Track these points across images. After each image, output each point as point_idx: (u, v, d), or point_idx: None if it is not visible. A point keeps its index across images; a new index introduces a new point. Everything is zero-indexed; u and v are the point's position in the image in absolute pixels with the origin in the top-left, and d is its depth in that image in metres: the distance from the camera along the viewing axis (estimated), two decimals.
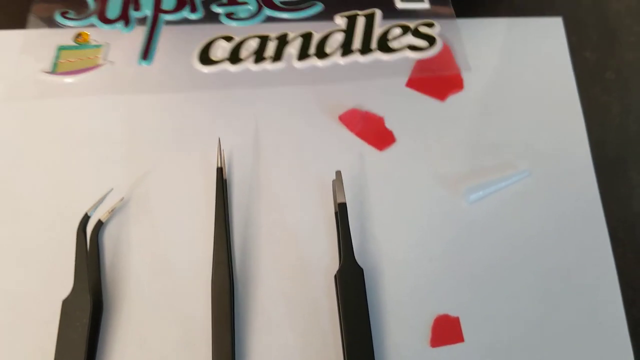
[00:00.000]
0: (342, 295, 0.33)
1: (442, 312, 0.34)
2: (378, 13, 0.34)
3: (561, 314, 0.34)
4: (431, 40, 0.34)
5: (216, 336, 0.32)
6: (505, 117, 0.40)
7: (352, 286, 0.33)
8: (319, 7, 0.34)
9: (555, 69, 0.42)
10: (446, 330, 0.34)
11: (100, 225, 0.35)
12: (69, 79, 0.33)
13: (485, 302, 0.35)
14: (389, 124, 0.39)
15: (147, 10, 0.34)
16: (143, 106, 0.38)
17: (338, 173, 0.35)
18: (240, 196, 0.37)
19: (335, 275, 0.34)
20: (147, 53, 0.33)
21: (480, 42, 0.42)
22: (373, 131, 0.39)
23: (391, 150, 0.39)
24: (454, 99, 0.40)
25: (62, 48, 0.33)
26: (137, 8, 0.34)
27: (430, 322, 0.34)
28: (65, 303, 0.32)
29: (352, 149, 0.38)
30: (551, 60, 0.42)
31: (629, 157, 0.40)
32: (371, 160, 0.38)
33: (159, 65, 0.33)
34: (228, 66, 0.33)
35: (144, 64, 0.33)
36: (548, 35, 0.43)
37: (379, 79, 0.39)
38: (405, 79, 0.40)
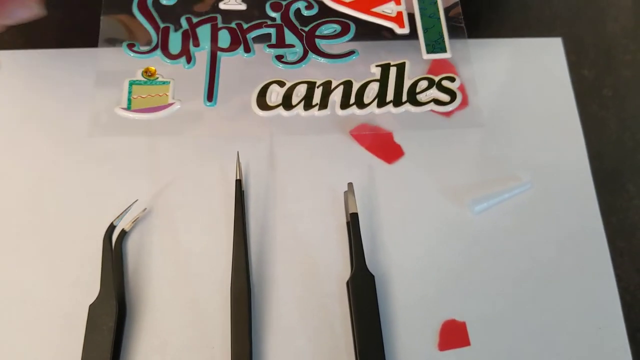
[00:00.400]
0: (355, 300, 0.34)
1: (449, 317, 0.35)
2: (408, 64, 0.37)
3: (562, 319, 0.36)
4: (452, 95, 0.36)
5: (235, 339, 0.33)
6: (508, 132, 0.41)
7: (364, 292, 0.34)
8: (356, 55, 0.36)
9: (555, 86, 0.43)
10: (453, 335, 0.35)
11: (124, 234, 0.36)
12: (142, 117, 0.34)
13: (489, 307, 0.36)
14: (397, 139, 0.40)
15: (205, 46, 0.35)
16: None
17: (350, 185, 0.37)
18: (256, 206, 0.38)
19: (348, 282, 0.35)
20: (211, 94, 0.35)
21: (485, 61, 0.44)
22: (382, 145, 0.40)
23: (400, 164, 0.40)
24: (459, 114, 0.41)
25: (133, 83, 0.35)
26: (196, 44, 0.35)
27: (437, 327, 0.35)
28: (92, 308, 0.33)
29: (362, 162, 0.40)
30: (551, 78, 0.44)
31: (626, 169, 0.41)
32: (380, 173, 0.40)
33: (221, 106, 0.35)
34: (282, 111, 0.35)
35: (209, 106, 0.35)
36: (548, 55, 0.44)
37: None
38: None
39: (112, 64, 0.34)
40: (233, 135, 0.38)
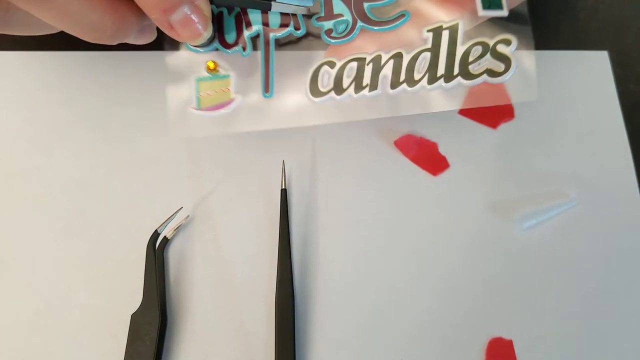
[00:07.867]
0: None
1: (495, 335, 0.35)
2: (461, 24, 0.34)
3: (610, 338, 0.35)
4: (507, 62, 0.33)
5: (279, 351, 0.32)
6: (554, 146, 0.41)
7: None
8: (407, 18, 0.34)
9: (602, 100, 0.42)
10: (500, 353, 0.34)
11: (165, 241, 0.36)
12: (211, 114, 0.34)
13: (537, 325, 0.35)
14: (442, 150, 0.40)
15: (257, 27, 0.34)
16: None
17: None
18: (298, 216, 0.37)
19: None
20: (267, 85, 0.34)
21: None
22: (427, 156, 0.39)
23: (445, 176, 0.39)
24: (505, 127, 0.40)
25: (199, 80, 0.34)
26: (248, 26, 0.34)
27: (484, 345, 0.35)
28: (135, 317, 0.33)
29: (406, 174, 0.39)
30: (598, 91, 0.43)
31: None
32: (425, 185, 0.39)
33: (277, 97, 0.34)
34: (334, 96, 0.34)
35: (267, 97, 0.34)
36: (595, 68, 0.44)
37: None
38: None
39: (176, 62, 0.33)
40: (292, 126, 0.36)
